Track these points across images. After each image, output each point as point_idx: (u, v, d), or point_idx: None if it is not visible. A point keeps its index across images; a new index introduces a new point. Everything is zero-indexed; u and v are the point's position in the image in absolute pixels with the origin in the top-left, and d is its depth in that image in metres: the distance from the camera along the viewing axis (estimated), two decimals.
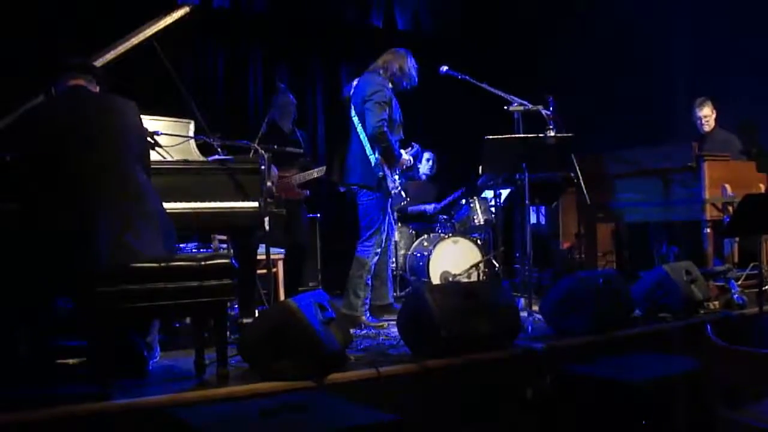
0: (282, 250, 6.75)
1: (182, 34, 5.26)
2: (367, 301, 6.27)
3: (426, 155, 8.93)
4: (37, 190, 4.05)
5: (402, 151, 6.34)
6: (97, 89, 4.44)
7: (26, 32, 7.08)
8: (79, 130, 4.06)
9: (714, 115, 7.89)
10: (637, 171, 7.41)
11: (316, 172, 7.32)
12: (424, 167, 8.96)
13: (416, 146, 6.78)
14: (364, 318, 6.17)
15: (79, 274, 3.78)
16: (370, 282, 6.27)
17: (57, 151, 4.03)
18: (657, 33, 9.18)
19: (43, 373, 4.23)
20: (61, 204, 3.95)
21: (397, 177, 6.27)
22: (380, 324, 6.10)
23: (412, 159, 6.45)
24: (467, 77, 6.24)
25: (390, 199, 6.24)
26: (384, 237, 6.25)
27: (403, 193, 6.30)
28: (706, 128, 7.90)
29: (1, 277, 4.19)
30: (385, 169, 6.15)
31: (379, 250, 6.24)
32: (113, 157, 4.09)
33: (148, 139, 4.57)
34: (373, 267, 6.25)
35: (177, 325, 5.45)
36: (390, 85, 6.28)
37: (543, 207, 9.10)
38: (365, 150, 6.17)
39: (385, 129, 6.06)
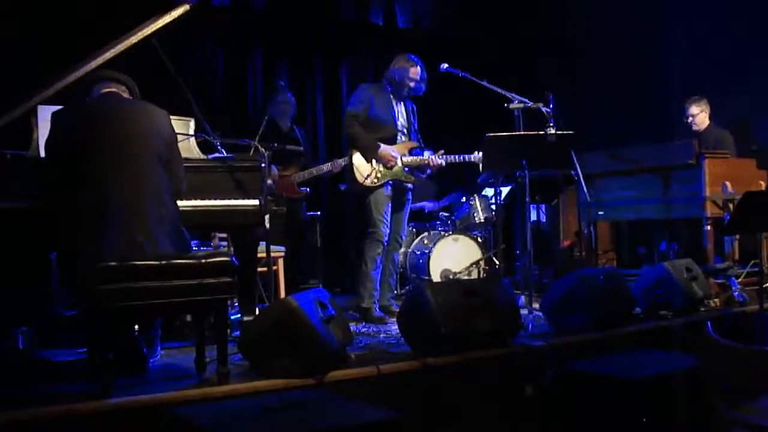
0: (282, 248, 6.74)
1: (182, 32, 5.27)
2: (376, 294, 6.45)
3: (426, 153, 8.92)
4: (58, 189, 4.09)
5: (389, 147, 6.44)
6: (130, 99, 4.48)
7: (25, 31, 7.08)
8: (104, 133, 4.10)
9: (704, 114, 7.91)
10: (638, 168, 7.42)
11: (315, 170, 7.31)
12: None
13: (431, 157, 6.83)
14: (373, 308, 6.38)
15: (80, 272, 3.78)
16: (376, 276, 6.46)
17: (81, 152, 4.06)
18: (655, 30, 9.19)
19: (43, 372, 4.24)
20: (80, 202, 3.98)
21: (380, 170, 6.40)
22: (381, 318, 6.29)
23: (397, 155, 6.46)
24: (467, 75, 6.24)
25: (371, 193, 6.40)
26: (379, 231, 6.39)
27: (372, 182, 6.38)
28: (695, 127, 7.93)
29: (3, 274, 4.20)
30: (354, 161, 6.42)
31: (377, 245, 6.41)
32: (135, 160, 4.12)
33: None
34: (378, 261, 6.45)
35: (177, 323, 5.45)
36: (389, 88, 6.57)
37: (543, 205, 9.10)
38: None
39: (351, 123, 6.42)
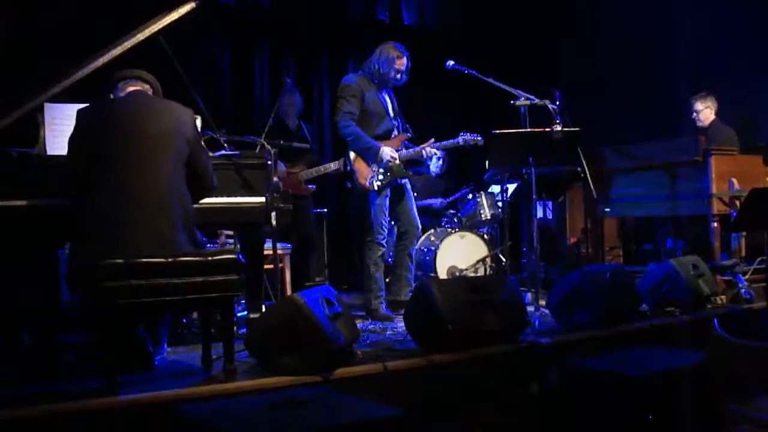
0: (289, 246, 6.75)
1: (188, 29, 5.27)
2: (382, 294, 6.39)
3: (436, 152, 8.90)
4: (78, 186, 4.09)
5: (388, 147, 6.31)
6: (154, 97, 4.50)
7: (31, 32, 7.10)
8: (127, 132, 4.09)
9: (709, 110, 7.90)
10: (644, 165, 7.41)
11: (323, 168, 7.31)
12: (434, 165, 8.88)
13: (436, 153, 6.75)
14: (380, 308, 6.32)
15: (89, 270, 3.78)
16: (380, 277, 6.39)
17: (104, 150, 4.06)
18: (664, 27, 9.17)
19: (49, 369, 4.25)
20: (101, 200, 3.98)
21: (380, 170, 6.28)
22: (388, 316, 6.23)
23: (396, 154, 6.32)
24: (473, 72, 6.23)
25: (373, 196, 6.30)
26: (380, 234, 6.33)
27: (376, 185, 6.27)
28: (699, 123, 7.94)
29: (8, 272, 4.21)
30: (353, 163, 6.31)
31: (378, 248, 6.35)
32: (157, 160, 4.10)
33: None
34: (380, 262, 6.38)
35: (184, 320, 5.46)
36: (368, 80, 6.39)
37: (550, 201, 9.09)
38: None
39: (347, 123, 6.22)
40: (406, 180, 6.56)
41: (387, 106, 6.45)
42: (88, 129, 4.12)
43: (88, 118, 4.17)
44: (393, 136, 6.46)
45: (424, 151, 6.45)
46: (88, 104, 4.31)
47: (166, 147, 4.16)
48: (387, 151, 6.25)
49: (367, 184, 6.25)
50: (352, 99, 6.25)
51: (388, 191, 6.36)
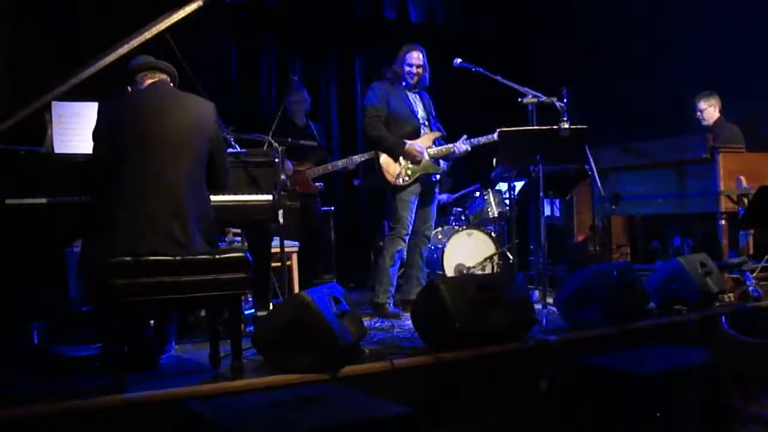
0: (296, 243, 6.75)
1: (196, 28, 5.26)
2: (391, 290, 6.42)
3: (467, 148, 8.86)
4: (99, 181, 4.09)
5: (415, 143, 6.40)
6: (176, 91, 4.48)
7: (35, 32, 7.11)
8: (149, 128, 4.07)
9: (713, 109, 7.88)
10: (652, 163, 7.41)
11: (330, 166, 7.31)
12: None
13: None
14: (387, 304, 6.35)
15: (99, 267, 3.78)
16: (394, 272, 6.44)
17: (125, 145, 4.04)
18: (670, 24, 9.15)
19: (58, 367, 4.26)
20: (120, 195, 3.98)
21: (409, 166, 6.37)
22: (396, 314, 6.26)
23: (422, 149, 6.41)
24: (481, 69, 6.23)
25: (400, 191, 6.37)
26: (403, 228, 6.37)
27: (403, 180, 6.35)
28: (704, 122, 7.92)
29: (16, 271, 4.22)
30: (381, 160, 6.40)
31: (398, 242, 6.39)
32: (178, 156, 4.09)
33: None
34: (397, 257, 6.43)
35: (192, 318, 5.47)
36: (391, 83, 6.54)
37: (557, 199, 9.07)
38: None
39: (374, 125, 6.40)
40: (437, 185, 6.71)
41: (413, 107, 6.55)
42: (108, 125, 4.10)
43: (108, 114, 4.15)
44: (422, 134, 6.52)
45: (455, 148, 6.50)
46: (108, 99, 4.29)
47: (186, 147, 4.14)
48: (413, 145, 6.38)
49: (395, 180, 6.34)
50: (377, 103, 6.42)
51: (418, 188, 6.43)
